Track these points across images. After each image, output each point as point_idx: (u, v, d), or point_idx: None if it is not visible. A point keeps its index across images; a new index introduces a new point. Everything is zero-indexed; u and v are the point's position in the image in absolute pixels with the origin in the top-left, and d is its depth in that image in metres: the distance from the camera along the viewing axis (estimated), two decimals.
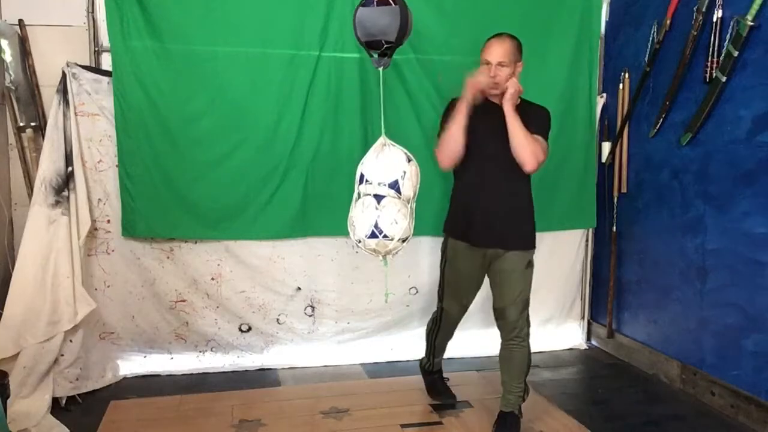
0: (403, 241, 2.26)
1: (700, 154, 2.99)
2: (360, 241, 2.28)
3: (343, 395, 3.00)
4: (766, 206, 2.64)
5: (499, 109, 2.44)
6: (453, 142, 2.46)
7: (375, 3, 2.17)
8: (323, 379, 3.24)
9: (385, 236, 2.22)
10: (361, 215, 2.25)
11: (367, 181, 2.26)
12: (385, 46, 2.20)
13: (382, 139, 2.31)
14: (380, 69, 2.29)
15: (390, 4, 2.17)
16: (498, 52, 2.45)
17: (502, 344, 2.60)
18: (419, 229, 3.22)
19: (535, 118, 2.50)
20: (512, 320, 2.52)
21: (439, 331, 2.81)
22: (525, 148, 2.39)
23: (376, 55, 2.26)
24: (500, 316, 2.57)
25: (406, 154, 2.31)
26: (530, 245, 2.56)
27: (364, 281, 3.42)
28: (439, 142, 2.55)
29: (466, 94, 2.43)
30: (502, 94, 2.43)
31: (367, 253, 2.31)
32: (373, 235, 2.23)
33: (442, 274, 2.72)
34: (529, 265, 2.55)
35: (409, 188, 2.27)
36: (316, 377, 3.26)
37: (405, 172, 2.26)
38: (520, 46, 2.51)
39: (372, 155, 2.30)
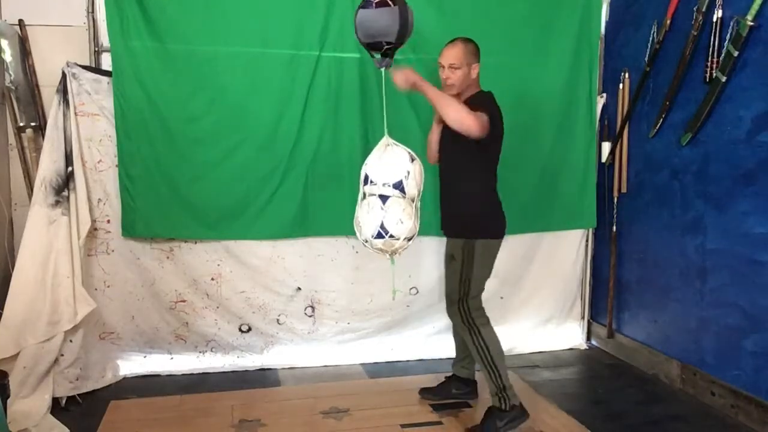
0: (409, 239, 2.30)
1: (700, 154, 2.99)
2: (367, 241, 2.32)
3: (343, 395, 3.00)
4: (766, 206, 2.64)
5: None
6: (432, 146, 2.77)
7: (374, 4, 2.18)
8: (323, 379, 3.24)
9: (391, 236, 2.25)
10: (367, 216, 2.29)
11: (371, 181, 2.29)
12: (386, 47, 2.21)
13: (386, 139, 2.33)
14: (382, 69, 2.31)
15: (389, 5, 2.17)
16: (448, 54, 2.56)
17: None
18: (421, 230, 3.24)
19: (476, 103, 2.53)
20: (452, 307, 2.66)
21: None
22: (442, 104, 2.40)
23: (378, 56, 2.28)
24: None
25: (409, 153, 2.34)
26: (469, 234, 2.59)
27: (365, 281, 3.42)
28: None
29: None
30: (458, 94, 2.56)
31: (374, 252, 2.35)
32: (379, 236, 2.26)
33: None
34: (469, 253, 2.58)
35: (413, 187, 2.31)
36: (316, 377, 3.26)
37: (409, 172, 2.29)
38: (474, 48, 2.60)
39: (376, 156, 2.32)
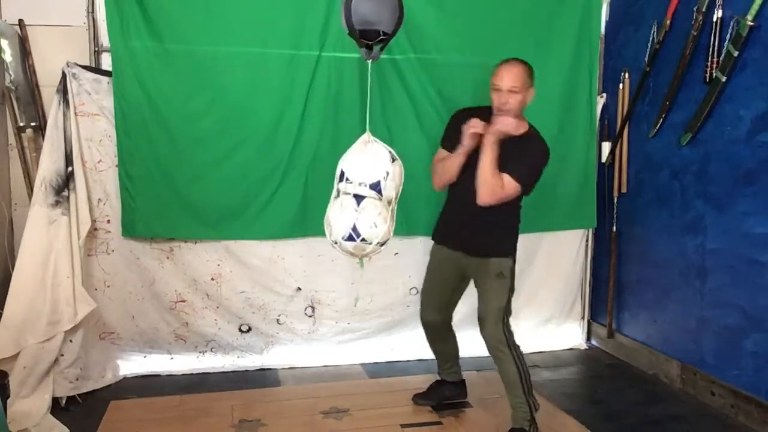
0: (382, 244, 2.17)
1: (700, 154, 2.99)
2: (336, 243, 2.18)
3: (343, 395, 3.00)
4: (766, 206, 2.64)
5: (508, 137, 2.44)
6: (449, 176, 2.54)
7: None
8: (323, 379, 3.24)
9: (363, 240, 2.13)
10: (339, 216, 2.15)
11: (347, 179, 2.16)
12: (381, 36, 2.11)
13: (366, 135, 2.22)
14: (370, 62, 2.20)
15: None
16: (509, 76, 2.43)
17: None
18: (421, 230, 3.25)
19: (525, 154, 2.46)
20: (495, 328, 2.53)
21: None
22: (484, 184, 2.38)
23: (366, 47, 2.16)
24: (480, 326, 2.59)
25: (390, 152, 2.22)
26: (511, 251, 2.61)
27: (365, 282, 3.41)
28: (438, 167, 2.60)
29: (468, 141, 2.42)
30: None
31: (342, 254, 2.22)
32: (350, 238, 2.13)
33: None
34: (500, 276, 2.55)
35: (391, 189, 2.19)
36: (316, 377, 3.26)
37: (388, 173, 2.17)
38: (532, 72, 2.48)
39: (354, 152, 2.20)
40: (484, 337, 2.56)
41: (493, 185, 2.39)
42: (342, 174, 2.19)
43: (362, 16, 2.09)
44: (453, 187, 2.63)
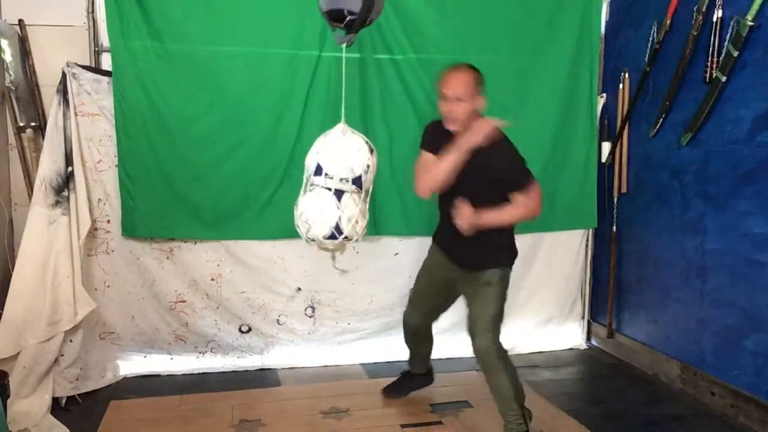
0: (357, 240, 2.11)
1: (700, 154, 2.99)
2: (314, 240, 2.10)
3: (343, 395, 2.99)
4: (766, 206, 2.64)
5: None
6: (439, 184, 2.32)
7: None
8: (323, 379, 3.24)
9: (345, 237, 2.07)
10: (320, 215, 2.06)
11: (326, 174, 2.06)
12: (348, 17, 2.00)
13: (342, 125, 2.11)
14: (343, 46, 2.09)
15: None
16: (454, 83, 2.25)
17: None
18: (421, 230, 3.24)
19: (510, 170, 2.31)
20: (483, 341, 2.40)
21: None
22: (526, 217, 2.32)
23: (340, 32, 2.07)
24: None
25: (367, 143, 2.14)
26: (506, 262, 2.53)
27: (365, 282, 3.42)
28: (426, 173, 2.35)
29: (464, 146, 2.23)
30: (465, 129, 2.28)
31: (317, 249, 2.14)
32: (332, 237, 2.07)
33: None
34: (488, 284, 2.43)
35: (370, 181, 2.13)
36: (316, 377, 3.26)
37: (369, 166, 2.10)
38: (481, 79, 2.30)
39: (332, 145, 2.09)
40: (473, 348, 2.41)
41: (522, 213, 2.32)
42: (318, 168, 2.07)
43: None
44: (445, 203, 2.46)
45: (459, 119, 2.27)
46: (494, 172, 2.30)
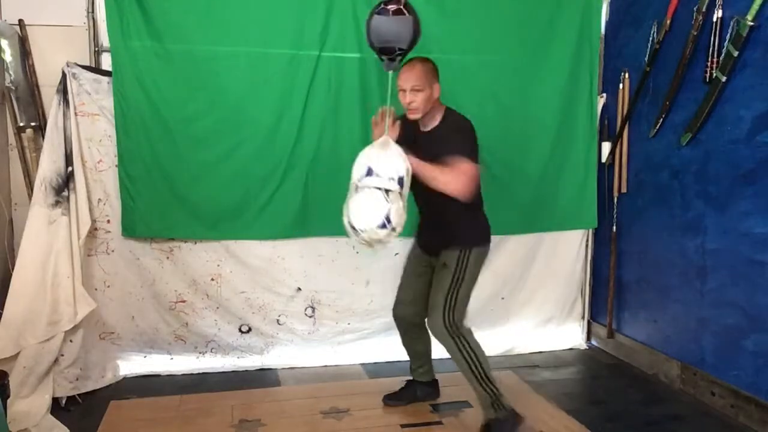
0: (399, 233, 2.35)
1: (700, 154, 2.99)
2: (364, 231, 2.29)
3: (343, 395, 3.00)
4: (766, 206, 2.64)
5: (425, 134, 2.53)
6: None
7: (390, 12, 2.29)
8: (323, 379, 3.24)
9: (393, 228, 2.29)
10: (370, 207, 2.29)
11: (376, 174, 2.30)
12: (398, 52, 2.31)
13: (385, 138, 2.37)
14: (390, 72, 2.38)
15: (404, 15, 2.29)
16: (409, 77, 2.44)
17: None
18: None
19: (452, 139, 2.45)
20: (435, 318, 2.57)
21: None
22: (446, 185, 2.36)
23: (385, 59, 2.36)
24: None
25: (402, 153, 2.36)
26: (466, 243, 2.59)
27: (365, 282, 3.42)
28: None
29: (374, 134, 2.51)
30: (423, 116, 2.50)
31: (360, 242, 2.36)
32: (383, 226, 2.29)
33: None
34: (444, 266, 2.58)
35: (407, 185, 2.34)
36: (316, 377, 3.26)
37: (407, 170, 2.33)
38: (434, 67, 2.51)
39: (378, 151, 2.35)
40: (428, 327, 2.63)
41: (452, 179, 2.36)
42: (369, 170, 2.32)
43: (380, 35, 2.30)
44: (414, 197, 2.62)
45: (419, 108, 2.47)
46: (441, 144, 2.46)
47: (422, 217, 2.72)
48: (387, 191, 2.27)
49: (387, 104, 2.42)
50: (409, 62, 2.49)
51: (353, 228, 2.32)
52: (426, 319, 2.67)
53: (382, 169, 2.30)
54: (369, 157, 2.35)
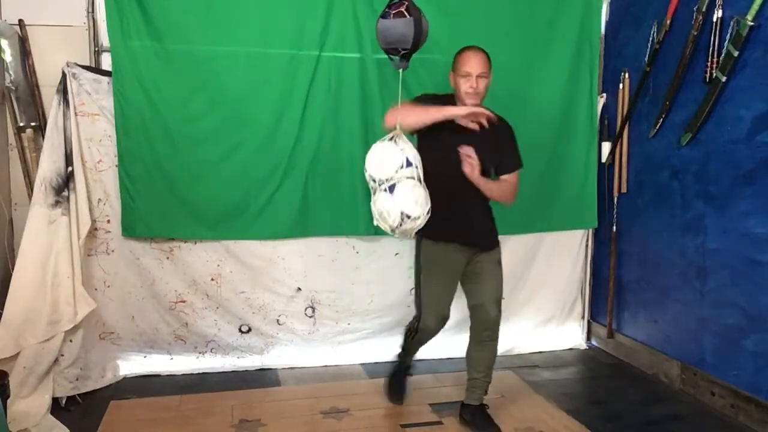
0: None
1: (700, 154, 2.99)
2: (418, 218, 2.33)
3: (343, 395, 3.00)
4: (766, 206, 2.64)
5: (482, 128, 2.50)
6: (410, 124, 2.46)
7: (391, 15, 2.34)
8: (323, 379, 3.24)
9: (429, 210, 2.36)
10: (422, 193, 2.34)
11: (415, 165, 2.36)
12: (402, 51, 2.38)
13: (398, 130, 2.40)
14: (399, 71, 2.44)
15: (405, 16, 2.33)
16: (479, 63, 2.49)
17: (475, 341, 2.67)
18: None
19: (512, 148, 2.63)
20: (498, 314, 2.64)
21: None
22: (501, 200, 2.60)
23: (396, 59, 2.41)
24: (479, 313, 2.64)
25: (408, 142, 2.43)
26: (496, 242, 2.72)
27: (365, 282, 3.42)
28: (405, 110, 2.47)
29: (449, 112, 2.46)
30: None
31: (403, 232, 2.37)
32: (428, 212, 2.36)
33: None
34: (498, 262, 2.68)
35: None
36: (316, 377, 3.26)
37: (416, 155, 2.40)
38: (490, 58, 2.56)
39: (405, 142, 2.39)
40: (490, 320, 2.63)
41: (509, 193, 2.61)
42: (408, 161, 2.36)
43: (385, 37, 2.37)
44: (439, 187, 2.47)
45: (482, 93, 2.51)
46: (498, 149, 2.57)
47: (455, 215, 2.57)
48: (419, 179, 2.35)
49: (398, 101, 2.45)
50: (472, 49, 2.52)
51: (408, 217, 2.33)
52: (485, 315, 2.61)
53: (414, 158, 2.37)
54: (403, 148, 2.39)
